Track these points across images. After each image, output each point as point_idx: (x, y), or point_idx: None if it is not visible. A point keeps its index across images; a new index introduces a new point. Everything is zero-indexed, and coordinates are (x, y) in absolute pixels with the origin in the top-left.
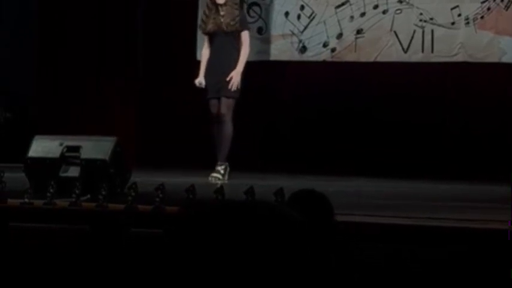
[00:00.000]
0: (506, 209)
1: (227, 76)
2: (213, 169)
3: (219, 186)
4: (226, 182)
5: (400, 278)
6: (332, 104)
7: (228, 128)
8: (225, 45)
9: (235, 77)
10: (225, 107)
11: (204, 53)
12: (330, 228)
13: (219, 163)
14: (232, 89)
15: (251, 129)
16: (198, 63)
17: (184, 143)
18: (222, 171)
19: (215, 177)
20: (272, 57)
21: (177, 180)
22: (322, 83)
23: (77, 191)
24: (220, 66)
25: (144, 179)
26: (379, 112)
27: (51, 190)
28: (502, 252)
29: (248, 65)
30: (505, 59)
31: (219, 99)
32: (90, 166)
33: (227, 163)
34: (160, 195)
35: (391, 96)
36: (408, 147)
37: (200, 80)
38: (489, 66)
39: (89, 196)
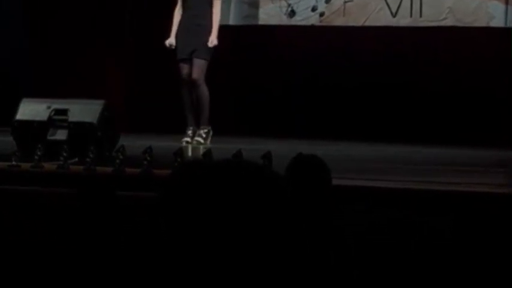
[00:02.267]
0: (495, 173)
1: (198, 39)
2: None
3: (207, 149)
4: (208, 146)
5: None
6: (320, 69)
7: (204, 91)
8: (197, 7)
9: (211, 42)
10: (197, 69)
11: (176, 14)
12: (328, 194)
13: (201, 127)
14: (204, 51)
15: (238, 94)
16: None
17: (172, 107)
18: (204, 135)
19: (197, 141)
20: (260, 22)
21: (164, 144)
22: (311, 47)
23: (65, 154)
24: (191, 29)
25: (132, 143)
26: (368, 76)
27: (39, 153)
28: (492, 216)
29: (236, 28)
30: (493, 23)
31: (189, 61)
32: (78, 129)
33: (210, 127)
34: (148, 159)
35: (379, 60)
36: (397, 111)
37: (170, 41)
38: (477, 30)
39: (76, 159)
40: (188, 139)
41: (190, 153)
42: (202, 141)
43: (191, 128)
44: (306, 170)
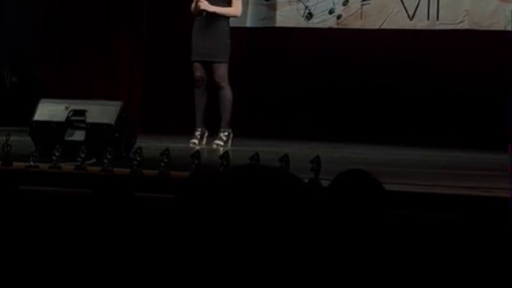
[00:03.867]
0: (502, 177)
1: (215, 41)
2: (216, 136)
3: (224, 152)
4: (229, 148)
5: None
6: (337, 71)
7: (228, 93)
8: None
9: (205, 4)
10: (219, 73)
11: None
12: (383, 202)
13: (221, 129)
14: (222, 54)
15: (255, 96)
16: None
17: (190, 108)
18: (224, 138)
19: (217, 144)
20: (278, 24)
21: (182, 145)
22: (328, 49)
23: (82, 155)
24: (208, 30)
25: (149, 144)
26: (385, 79)
27: (57, 154)
28: (498, 220)
29: (253, 31)
30: (511, 27)
31: (204, 63)
32: (95, 130)
33: (230, 129)
34: (166, 160)
35: (396, 63)
36: (413, 114)
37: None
38: (494, 34)
39: (94, 160)
40: (196, 141)
41: (216, 156)
42: (222, 143)
43: (199, 129)
44: (356, 186)
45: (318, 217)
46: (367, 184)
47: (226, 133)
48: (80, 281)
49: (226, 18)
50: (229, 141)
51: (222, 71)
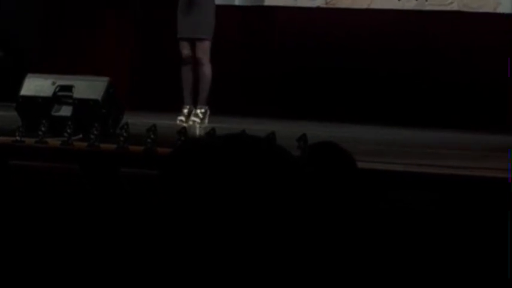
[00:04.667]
0: (494, 157)
1: (199, 18)
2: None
3: (210, 129)
4: (206, 125)
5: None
6: (324, 50)
7: (207, 70)
8: None
9: None
10: (201, 50)
11: None
12: (355, 177)
13: (198, 106)
14: (205, 31)
15: (243, 74)
16: None
17: (177, 85)
18: (201, 115)
19: (194, 120)
20: (266, 3)
21: (169, 122)
22: (316, 28)
23: (69, 131)
24: (191, 7)
25: (136, 120)
26: (372, 59)
27: (43, 129)
28: (491, 200)
29: (242, 9)
30: (500, 9)
31: (189, 40)
32: (82, 106)
33: (207, 107)
34: (152, 137)
35: (384, 43)
36: (401, 95)
37: None
38: (484, 15)
39: (80, 136)
40: (183, 118)
41: (193, 133)
42: (199, 120)
43: (187, 106)
44: (326, 157)
45: (298, 189)
46: (337, 156)
47: (203, 110)
48: (66, 254)
49: None
50: (206, 119)
51: (204, 48)
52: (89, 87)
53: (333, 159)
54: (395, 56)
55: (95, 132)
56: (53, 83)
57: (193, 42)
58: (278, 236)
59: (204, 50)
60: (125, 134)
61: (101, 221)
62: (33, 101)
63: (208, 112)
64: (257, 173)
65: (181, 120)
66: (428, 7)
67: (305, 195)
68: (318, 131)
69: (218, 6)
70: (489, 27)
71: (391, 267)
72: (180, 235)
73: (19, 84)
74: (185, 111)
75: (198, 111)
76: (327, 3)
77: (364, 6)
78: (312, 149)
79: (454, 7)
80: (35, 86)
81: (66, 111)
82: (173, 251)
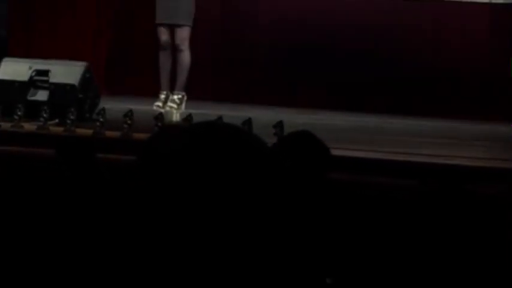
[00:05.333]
0: (472, 146)
1: (178, 3)
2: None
3: (187, 115)
4: (183, 111)
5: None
6: (305, 35)
7: (186, 56)
8: None
9: None
10: (180, 36)
11: None
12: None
13: (175, 92)
14: (185, 17)
15: (222, 60)
16: None
17: (154, 71)
18: (177, 101)
19: (171, 106)
20: None
21: (146, 108)
22: (296, 13)
23: (45, 115)
24: None
25: (113, 106)
26: (354, 45)
27: (19, 113)
28: (457, 188)
29: None
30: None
31: (168, 26)
32: (58, 90)
33: (184, 93)
34: (129, 122)
35: (368, 30)
36: (378, 80)
37: None
38: (465, 4)
39: (57, 120)
40: (160, 103)
41: (170, 118)
42: (176, 106)
43: (164, 92)
44: (299, 147)
45: (270, 178)
46: (312, 145)
47: (179, 96)
48: (43, 239)
49: None
50: (183, 104)
51: (183, 34)
52: (65, 72)
53: (308, 148)
54: (377, 41)
55: (71, 117)
56: (30, 68)
57: (172, 28)
58: (250, 218)
59: (183, 36)
60: (101, 119)
61: (78, 206)
62: (9, 85)
63: (185, 98)
64: (230, 160)
65: (158, 106)
66: None
67: (277, 184)
68: (295, 118)
69: None
70: (470, 16)
71: (367, 255)
72: (156, 220)
73: None
74: (162, 97)
75: (175, 97)
76: None
77: None
78: (287, 138)
79: None
80: (11, 70)
81: (42, 95)
82: (150, 236)
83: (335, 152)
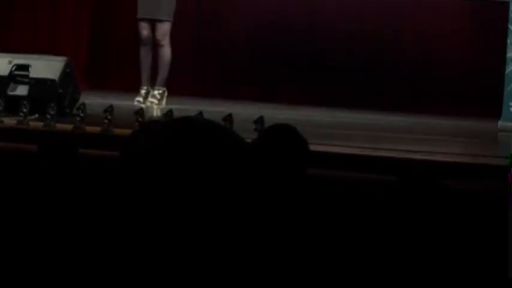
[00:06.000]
0: (452, 142)
1: None
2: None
3: (168, 110)
4: (163, 107)
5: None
6: (285, 32)
7: (167, 52)
8: None
9: None
10: (161, 31)
11: None
12: (307, 161)
13: (156, 87)
14: (166, 12)
15: (201, 55)
16: None
17: (135, 66)
18: (158, 96)
19: (151, 101)
20: None
21: (127, 103)
22: (276, 11)
23: (25, 110)
24: None
25: (93, 101)
26: (334, 41)
27: None
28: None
29: None
30: None
31: (149, 21)
32: (39, 85)
33: (165, 88)
34: (109, 117)
35: (344, 28)
36: (360, 77)
37: None
38: (446, 1)
39: (37, 115)
40: (140, 99)
41: (151, 114)
42: (156, 101)
43: (145, 88)
44: (283, 144)
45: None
46: (291, 138)
47: (160, 91)
48: (22, 236)
49: None
50: (164, 100)
51: (164, 29)
52: (45, 67)
53: (287, 143)
54: (357, 39)
55: (51, 112)
56: (10, 62)
57: (153, 23)
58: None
59: (164, 31)
60: (81, 114)
61: (60, 202)
62: None
63: (166, 93)
64: (208, 156)
65: (138, 101)
66: None
67: (256, 179)
68: (275, 114)
69: None
70: (448, 12)
71: (347, 251)
72: (139, 213)
73: None
74: (143, 92)
75: (156, 92)
76: None
77: None
78: (267, 131)
79: None
80: None
81: (22, 90)
82: (134, 230)
83: (313, 148)
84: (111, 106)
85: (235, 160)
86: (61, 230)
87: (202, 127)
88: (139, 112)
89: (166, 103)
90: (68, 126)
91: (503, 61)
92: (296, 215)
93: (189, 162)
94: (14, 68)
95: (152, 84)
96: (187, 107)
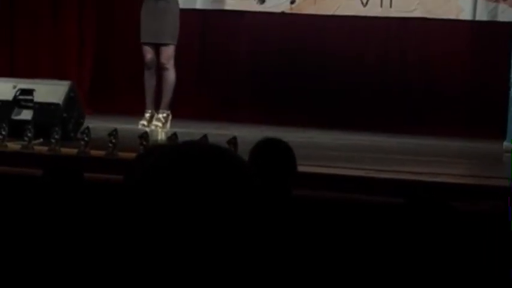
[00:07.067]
0: (457, 163)
1: (164, 23)
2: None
3: (172, 133)
4: (168, 130)
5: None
6: (289, 56)
7: (171, 75)
8: None
9: None
10: (165, 55)
11: None
12: (293, 178)
13: (160, 111)
14: (170, 36)
15: (206, 79)
16: None
17: (139, 90)
18: (163, 120)
19: (156, 125)
20: (229, 7)
21: (131, 126)
22: (280, 34)
23: (29, 134)
24: (157, 12)
25: (97, 125)
26: (337, 65)
27: (3, 132)
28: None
29: (204, 13)
30: (462, 16)
31: (153, 45)
32: (43, 109)
33: (169, 111)
34: (113, 141)
35: (349, 49)
36: (365, 100)
37: None
38: (446, 22)
39: (41, 140)
40: (145, 122)
41: (155, 137)
42: (161, 125)
43: (149, 111)
44: (270, 154)
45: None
46: (280, 151)
47: (164, 114)
48: (27, 260)
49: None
50: (168, 123)
51: (168, 52)
52: (49, 91)
53: (275, 159)
54: (361, 61)
55: (56, 136)
56: (14, 87)
57: (157, 47)
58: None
59: (168, 55)
60: (86, 138)
61: (65, 226)
62: None
63: (170, 116)
64: (213, 183)
65: (143, 125)
66: (393, 13)
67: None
68: (279, 136)
69: (179, 10)
70: (451, 33)
71: (353, 274)
72: (142, 237)
73: None
74: (147, 115)
75: (160, 115)
76: (291, 8)
77: (330, 12)
78: (256, 148)
79: (418, 14)
80: None
81: (26, 114)
82: (137, 254)
83: (318, 170)
84: (115, 130)
85: (240, 186)
86: (65, 253)
87: (207, 152)
88: (144, 136)
89: (171, 126)
90: (73, 151)
91: (507, 82)
92: (292, 237)
93: (192, 187)
94: (18, 93)
95: (156, 107)
96: (191, 130)
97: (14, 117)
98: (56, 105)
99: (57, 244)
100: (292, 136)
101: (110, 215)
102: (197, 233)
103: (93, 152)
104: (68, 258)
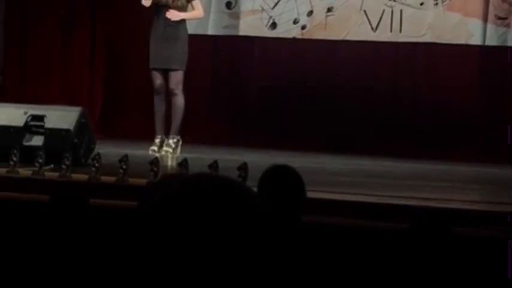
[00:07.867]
0: (469, 189)
1: (173, 48)
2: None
3: (183, 159)
4: (178, 155)
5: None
6: (300, 81)
7: (180, 100)
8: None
9: (175, 14)
10: (174, 80)
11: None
12: (302, 205)
13: (170, 136)
14: (179, 61)
15: (218, 104)
16: None
17: (149, 115)
18: (173, 145)
19: (166, 150)
20: (241, 32)
21: (141, 152)
22: (291, 59)
23: (40, 160)
24: (166, 38)
25: (108, 150)
26: (348, 89)
27: (14, 158)
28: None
29: (215, 38)
30: (472, 41)
31: (162, 70)
32: (54, 136)
33: (179, 136)
34: (124, 167)
35: (359, 74)
36: (374, 124)
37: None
38: (456, 47)
39: (52, 166)
40: (155, 148)
41: (165, 163)
42: (171, 150)
43: (159, 136)
44: (279, 181)
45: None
46: (288, 177)
47: (175, 140)
48: (36, 285)
49: (185, 25)
50: (178, 148)
51: (177, 78)
52: (60, 117)
53: (284, 183)
54: (371, 86)
55: (66, 162)
56: (25, 113)
57: (166, 73)
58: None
59: (177, 80)
60: (96, 164)
61: (71, 252)
62: (4, 130)
63: (180, 142)
64: (222, 215)
65: (153, 150)
66: (402, 38)
67: (265, 236)
68: (290, 161)
69: (190, 36)
70: (461, 58)
71: None
72: (151, 265)
73: None
74: (157, 141)
75: (171, 141)
76: (302, 34)
77: (340, 37)
78: (267, 172)
79: (427, 39)
80: (6, 115)
81: (37, 140)
82: (142, 283)
83: (328, 196)
84: (126, 156)
85: (248, 217)
86: (73, 280)
87: (216, 184)
88: (154, 162)
89: (181, 151)
90: (83, 176)
91: None
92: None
93: (200, 219)
94: (29, 119)
95: (166, 132)
96: (202, 156)
97: (25, 143)
98: (67, 131)
99: (65, 269)
100: (303, 161)
101: (119, 241)
102: (206, 263)
103: (104, 178)
104: (74, 283)
